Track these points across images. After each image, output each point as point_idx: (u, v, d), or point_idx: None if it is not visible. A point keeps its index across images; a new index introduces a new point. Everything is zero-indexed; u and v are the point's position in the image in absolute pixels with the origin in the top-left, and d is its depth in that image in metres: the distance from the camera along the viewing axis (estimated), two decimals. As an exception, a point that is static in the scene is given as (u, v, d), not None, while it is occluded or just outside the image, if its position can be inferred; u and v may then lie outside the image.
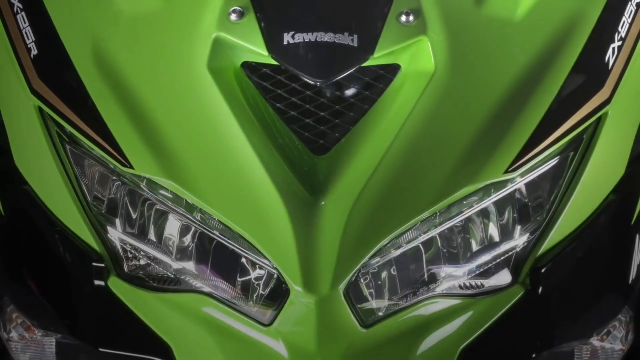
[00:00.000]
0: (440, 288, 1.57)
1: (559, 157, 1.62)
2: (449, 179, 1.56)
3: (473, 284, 1.59)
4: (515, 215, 1.60)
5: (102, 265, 1.59)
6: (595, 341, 1.67)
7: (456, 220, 1.57)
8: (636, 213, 1.69)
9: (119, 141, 1.59)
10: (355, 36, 1.58)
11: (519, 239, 1.60)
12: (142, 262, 1.60)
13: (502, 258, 1.59)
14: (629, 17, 1.71)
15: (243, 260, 1.55)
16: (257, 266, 1.55)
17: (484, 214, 1.59)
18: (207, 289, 1.56)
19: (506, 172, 1.57)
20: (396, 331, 1.55)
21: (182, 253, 1.58)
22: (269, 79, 1.60)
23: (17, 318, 1.70)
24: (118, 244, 1.60)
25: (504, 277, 1.59)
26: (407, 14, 1.60)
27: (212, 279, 1.56)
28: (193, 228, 1.57)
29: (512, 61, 1.64)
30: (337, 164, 1.56)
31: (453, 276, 1.58)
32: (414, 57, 1.60)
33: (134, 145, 1.58)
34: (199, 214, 1.56)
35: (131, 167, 1.57)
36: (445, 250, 1.57)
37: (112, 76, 1.63)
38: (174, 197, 1.57)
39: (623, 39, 1.70)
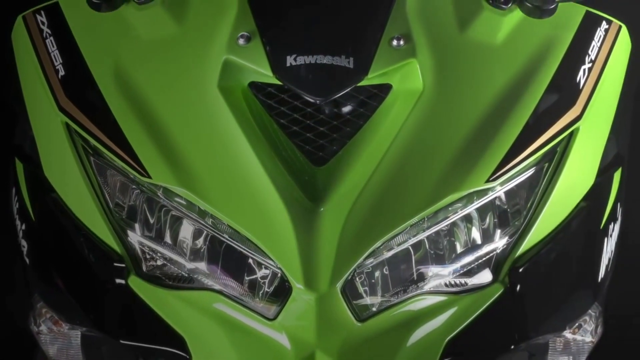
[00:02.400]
0: (428, 286, 1.58)
1: (535, 167, 1.63)
2: (435, 188, 1.56)
3: (457, 282, 1.60)
4: (495, 220, 1.61)
5: (123, 265, 1.60)
6: (567, 334, 1.68)
7: (442, 225, 1.58)
8: (604, 218, 1.70)
9: (138, 153, 1.59)
10: (352, 58, 1.58)
11: (499, 242, 1.61)
12: (159, 262, 1.61)
13: (484, 259, 1.61)
14: (598, 41, 1.71)
15: (250, 260, 1.56)
16: (263, 266, 1.55)
17: (468, 219, 1.60)
18: (217, 286, 1.57)
19: (487, 181, 1.58)
20: (388, 325, 1.56)
21: (195, 254, 1.59)
22: (273, 97, 1.61)
23: (46, 313, 1.71)
24: (137, 246, 1.61)
25: (485, 276, 1.61)
26: (398, 39, 1.60)
27: (222, 278, 1.57)
28: (205, 232, 1.58)
29: (492, 81, 1.64)
30: (335, 174, 1.57)
31: (439, 275, 1.59)
32: (404, 77, 1.61)
33: (152, 157, 1.59)
34: (210, 219, 1.57)
35: (149, 177, 1.58)
36: (432, 252, 1.58)
37: (131, 95, 1.63)
38: (187, 204, 1.58)
39: (593, 61, 1.70)
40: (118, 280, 1.59)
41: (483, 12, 1.67)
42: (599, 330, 1.72)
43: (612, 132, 1.71)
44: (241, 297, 1.56)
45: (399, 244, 1.56)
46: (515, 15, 1.68)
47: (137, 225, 1.61)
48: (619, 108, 1.73)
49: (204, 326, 1.57)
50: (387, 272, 1.56)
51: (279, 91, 1.61)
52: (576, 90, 1.67)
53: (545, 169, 1.64)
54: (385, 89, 1.61)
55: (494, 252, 1.61)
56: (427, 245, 1.58)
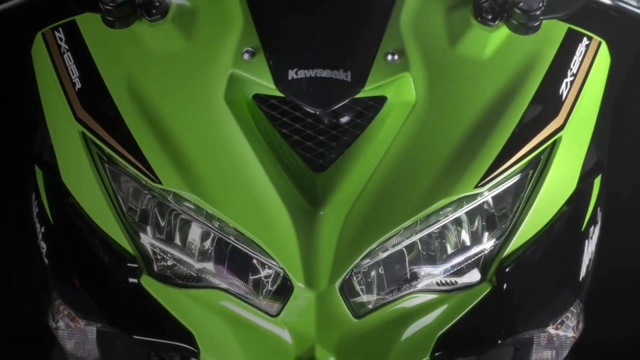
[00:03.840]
0: (421, 285, 1.58)
1: (520, 174, 1.63)
2: (427, 193, 1.57)
3: (448, 281, 1.60)
4: (483, 223, 1.61)
5: (135, 265, 1.60)
6: (551, 330, 1.69)
7: (434, 228, 1.58)
8: (585, 222, 1.70)
9: (149, 161, 1.60)
10: (349, 72, 1.59)
11: (487, 244, 1.62)
12: (169, 262, 1.61)
13: (473, 259, 1.61)
14: (579, 56, 1.71)
15: (254, 261, 1.56)
16: (266, 266, 1.56)
17: (457, 222, 1.60)
18: (224, 285, 1.58)
19: (476, 187, 1.58)
20: (383, 321, 1.56)
21: (203, 255, 1.59)
22: (276, 108, 1.61)
23: (63, 310, 1.71)
24: (149, 248, 1.62)
25: (474, 276, 1.61)
26: (393, 54, 1.60)
27: (228, 277, 1.58)
28: (212, 234, 1.58)
29: (481, 93, 1.64)
30: (333, 180, 1.57)
31: (431, 275, 1.59)
32: (398, 90, 1.61)
33: (163, 164, 1.59)
34: (217, 222, 1.57)
35: (160, 183, 1.59)
36: (424, 253, 1.59)
37: (143, 106, 1.63)
38: (196, 208, 1.58)
39: (574, 75, 1.70)
40: (131, 280, 1.60)
41: (472, 29, 1.67)
42: (580, 326, 1.72)
43: (593, 141, 1.71)
44: (246, 295, 1.57)
45: (394, 246, 1.57)
46: (502, 32, 1.68)
47: (148, 228, 1.62)
48: (599, 118, 1.73)
49: (211, 322, 1.58)
50: (382, 272, 1.57)
51: (282, 103, 1.61)
52: (559, 102, 1.68)
53: (530, 176, 1.64)
54: (380, 100, 1.62)
55: (482, 253, 1.61)
56: (419, 247, 1.58)
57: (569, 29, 1.73)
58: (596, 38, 1.74)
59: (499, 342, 1.63)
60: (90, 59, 1.69)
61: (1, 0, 1.83)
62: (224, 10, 1.66)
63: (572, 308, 1.71)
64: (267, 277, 1.56)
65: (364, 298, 1.56)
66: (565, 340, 1.70)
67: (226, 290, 1.57)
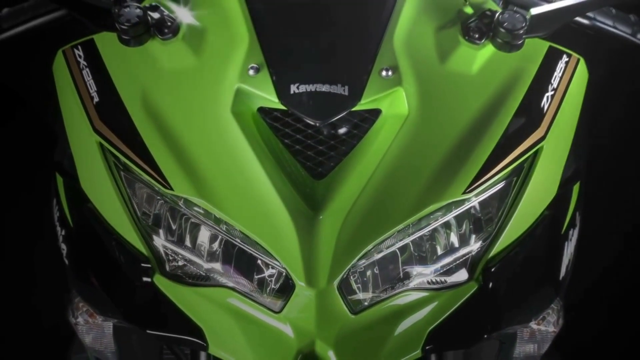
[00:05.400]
0: (413, 283, 1.59)
1: (505, 181, 1.64)
2: (419, 198, 1.58)
3: (438, 280, 1.61)
4: (471, 226, 1.62)
5: (149, 265, 1.61)
6: (533, 325, 1.71)
7: (425, 231, 1.59)
8: (565, 225, 1.71)
9: (162, 169, 1.61)
10: (347, 87, 1.60)
11: (474, 245, 1.63)
12: (180, 263, 1.62)
13: (461, 260, 1.62)
14: (559, 72, 1.73)
15: (259, 261, 1.57)
16: (270, 266, 1.57)
17: (447, 225, 1.61)
18: (230, 284, 1.59)
19: (464, 193, 1.59)
20: (378, 317, 1.57)
21: (211, 256, 1.60)
22: (279, 120, 1.62)
23: (82, 307, 1.73)
24: (161, 249, 1.63)
25: (462, 275, 1.62)
26: (387, 70, 1.62)
27: (235, 276, 1.59)
28: (220, 236, 1.59)
29: (468, 107, 1.65)
30: (332, 187, 1.57)
31: (422, 274, 1.60)
32: (392, 103, 1.62)
33: (174, 172, 1.60)
34: (224, 226, 1.58)
35: (172, 189, 1.59)
36: (416, 254, 1.60)
37: (157, 118, 1.64)
38: (205, 213, 1.59)
39: (555, 89, 1.72)
40: (145, 279, 1.61)
41: (460, 47, 1.69)
42: (560, 321, 1.73)
43: (572, 151, 1.72)
44: (251, 293, 1.58)
45: (388, 247, 1.58)
46: (488, 50, 1.70)
47: (161, 231, 1.63)
48: (578, 130, 1.74)
49: (219, 318, 1.58)
50: (377, 272, 1.58)
51: (284, 115, 1.62)
52: (540, 114, 1.69)
53: (513, 182, 1.65)
54: (375, 113, 1.63)
55: (470, 254, 1.62)
56: (411, 248, 1.60)
57: (550, 47, 1.75)
58: (575, 55, 1.76)
59: (485, 336, 1.64)
60: (107, 75, 1.70)
61: (24, 21, 1.82)
62: (230, 29, 1.67)
63: (552, 305, 1.72)
64: (270, 276, 1.57)
65: (360, 296, 1.57)
66: (547, 335, 1.72)
67: (233, 289, 1.58)
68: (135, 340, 1.74)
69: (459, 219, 1.62)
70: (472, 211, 1.62)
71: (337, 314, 1.54)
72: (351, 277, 1.56)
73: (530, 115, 1.68)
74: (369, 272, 1.58)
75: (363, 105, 1.61)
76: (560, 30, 1.71)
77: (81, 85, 1.71)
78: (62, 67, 1.74)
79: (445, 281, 1.61)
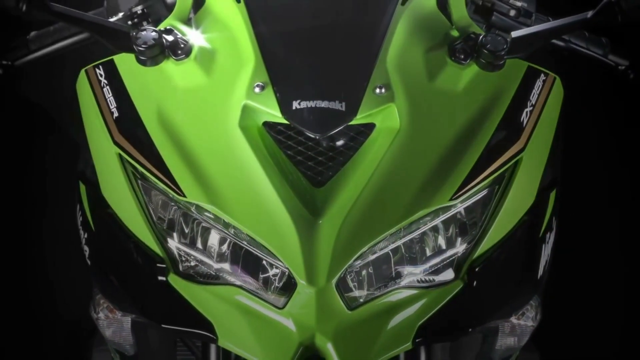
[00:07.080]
0: (404, 282, 1.61)
1: (488, 189, 1.66)
2: (409, 205, 1.59)
3: (427, 279, 1.62)
4: (457, 230, 1.64)
5: (164, 266, 1.62)
6: (513, 319, 1.72)
7: (415, 234, 1.61)
8: (542, 229, 1.72)
9: (176, 178, 1.62)
10: (344, 103, 1.61)
11: (459, 247, 1.64)
12: (192, 263, 1.63)
13: (447, 261, 1.63)
14: (537, 89, 1.74)
15: (264, 262, 1.59)
16: (274, 266, 1.58)
17: (435, 229, 1.62)
18: (238, 282, 1.60)
19: (450, 199, 1.61)
20: (372, 312, 1.59)
21: (221, 257, 1.61)
22: (282, 134, 1.64)
23: (103, 303, 1.75)
24: (175, 251, 1.64)
25: (448, 275, 1.63)
26: (380, 87, 1.62)
27: (242, 276, 1.60)
28: (228, 239, 1.60)
29: (454, 121, 1.66)
30: (330, 194, 1.58)
31: (413, 274, 1.62)
32: (385, 118, 1.63)
33: (187, 181, 1.61)
34: (233, 229, 1.60)
35: (185, 196, 1.61)
36: (407, 255, 1.61)
37: (171, 132, 1.65)
38: (215, 218, 1.60)
39: (533, 105, 1.73)
40: (160, 278, 1.62)
41: (447, 67, 1.70)
42: (538, 316, 1.75)
43: (549, 161, 1.73)
44: (257, 291, 1.59)
45: (381, 249, 1.59)
46: (472, 69, 1.71)
47: (175, 234, 1.64)
48: (554, 142, 1.75)
49: (227, 313, 1.60)
50: (371, 271, 1.59)
51: (287, 129, 1.63)
52: (520, 128, 1.70)
53: (495, 190, 1.67)
54: (370, 127, 1.64)
55: (456, 256, 1.64)
56: (403, 250, 1.61)
57: (529, 67, 1.75)
58: (551, 74, 1.77)
59: (470, 330, 1.66)
60: (126, 92, 1.71)
61: (50, 43, 1.85)
62: (238, 51, 1.68)
63: (531, 301, 1.73)
64: (274, 275, 1.59)
65: (356, 293, 1.59)
66: (526, 329, 1.74)
67: (240, 287, 1.60)
68: (151, 334, 1.75)
69: (446, 223, 1.63)
70: (458, 216, 1.64)
71: (335, 310, 1.56)
72: (348, 276, 1.58)
73: (510, 129, 1.69)
74: (364, 272, 1.59)
75: (359, 119, 1.62)
76: (539, 51, 1.72)
77: (102, 101, 1.72)
78: (84, 85, 1.75)
79: (434, 280, 1.62)
